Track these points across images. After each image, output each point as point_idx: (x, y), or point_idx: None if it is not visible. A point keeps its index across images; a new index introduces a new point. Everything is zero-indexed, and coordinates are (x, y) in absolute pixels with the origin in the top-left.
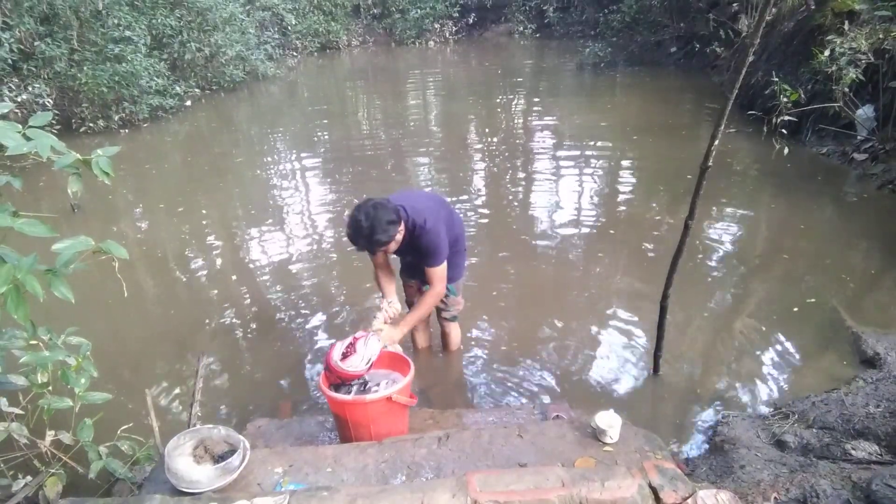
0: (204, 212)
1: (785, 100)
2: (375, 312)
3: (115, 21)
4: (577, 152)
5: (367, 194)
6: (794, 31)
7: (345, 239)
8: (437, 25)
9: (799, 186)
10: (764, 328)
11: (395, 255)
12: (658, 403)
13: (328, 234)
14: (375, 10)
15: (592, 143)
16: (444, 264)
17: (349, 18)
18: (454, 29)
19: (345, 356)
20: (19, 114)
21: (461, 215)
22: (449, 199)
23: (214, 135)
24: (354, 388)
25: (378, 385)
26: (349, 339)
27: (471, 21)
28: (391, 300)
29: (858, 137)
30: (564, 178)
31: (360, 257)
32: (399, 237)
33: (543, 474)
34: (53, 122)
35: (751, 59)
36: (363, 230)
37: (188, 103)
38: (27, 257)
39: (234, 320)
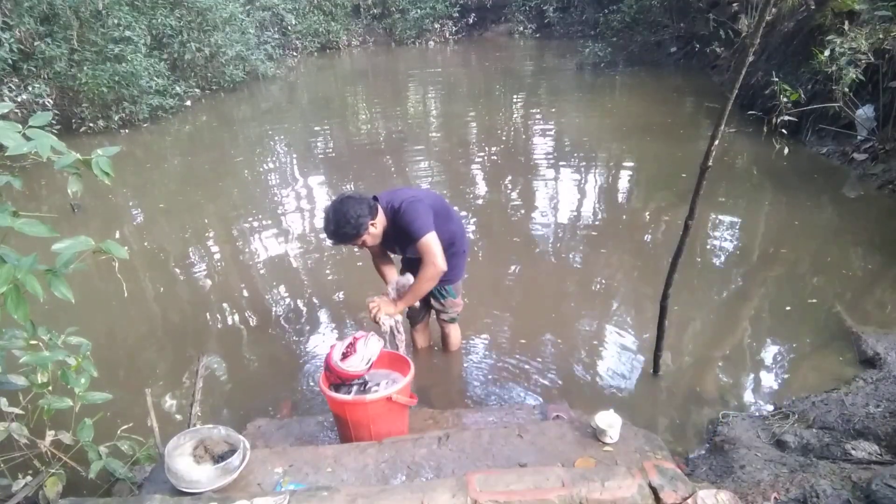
0: (204, 212)
1: (785, 100)
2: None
3: (115, 21)
4: (577, 152)
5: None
6: (794, 31)
7: None
8: (437, 25)
9: (799, 186)
10: (764, 328)
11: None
12: (658, 403)
13: (326, 238)
14: (375, 10)
15: (592, 142)
16: (433, 235)
17: (349, 18)
18: (454, 29)
19: (345, 356)
20: (19, 114)
21: (461, 216)
22: (449, 200)
23: (214, 135)
24: (354, 388)
25: (378, 385)
26: (349, 340)
27: (471, 21)
28: (391, 283)
29: (858, 137)
30: (564, 177)
31: (361, 256)
32: (374, 231)
33: (543, 474)
34: (53, 122)
35: (751, 59)
36: (329, 224)
37: (188, 103)
38: (27, 257)
39: (234, 320)
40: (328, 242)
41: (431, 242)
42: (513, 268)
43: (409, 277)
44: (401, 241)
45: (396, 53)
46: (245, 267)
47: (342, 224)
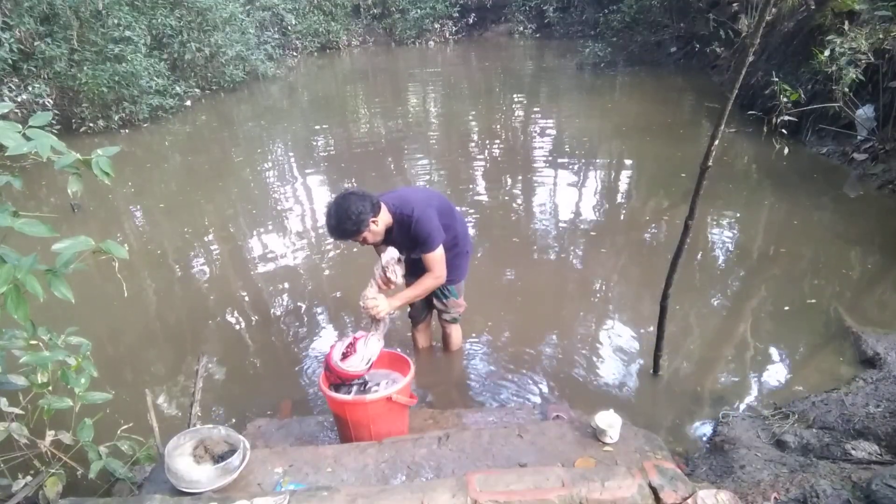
0: (204, 212)
1: (785, 100)
2: (370, 279)
3: (115, 21)
4: (577, 152)
5: None
6: (794, 31)
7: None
8: (437, 25)
9: (799, 186)
10: (764, 328)
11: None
12: (658, 403)
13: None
14: (375, 10)
15: (592, 142)
16: (440, 249)
17: (349, 18)
18: (454, 29)
19: (345, 356)
20: (19, 114)
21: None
22: (449, 199)
23: (214, 135)
24: (354, 388)
25: (378, 385)
26: (349, 340)
27: (471, 21)
28: (381, 259)
29: (858, 137)
30: (564, 177)
31: (362, 255)
32: (376, 228)
33: (543, 474)
34: (53, 122)
35: (751, 59)
36: (331, 219)
37: (188, 103)
38: (27, 257)
39: (233, 320)
40: (330, 238)
41: (438, 258)
42: (513, 268)
43: (393, 251)
44: (406, 244)
45: (396, 53)
46: (245, 267)
47: (343, 220)
